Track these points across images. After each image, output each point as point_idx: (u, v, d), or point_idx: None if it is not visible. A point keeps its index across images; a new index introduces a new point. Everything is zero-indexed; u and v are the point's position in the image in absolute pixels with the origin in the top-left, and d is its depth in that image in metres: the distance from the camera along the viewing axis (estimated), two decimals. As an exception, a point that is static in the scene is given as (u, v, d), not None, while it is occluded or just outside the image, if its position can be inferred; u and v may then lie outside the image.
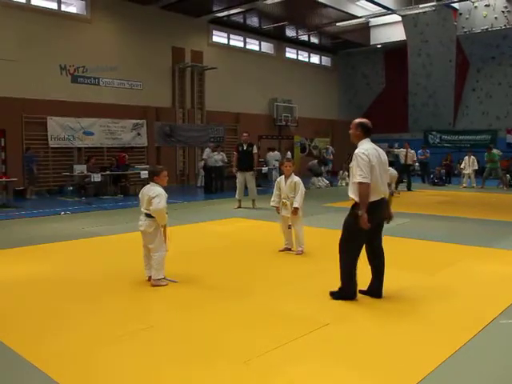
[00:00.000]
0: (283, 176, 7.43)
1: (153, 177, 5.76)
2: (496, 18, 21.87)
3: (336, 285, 5.47)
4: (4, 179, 13.39)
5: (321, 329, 4.26)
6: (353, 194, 4.88)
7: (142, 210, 5.66)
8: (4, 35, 15.23)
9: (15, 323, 4.48)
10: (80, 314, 4.69)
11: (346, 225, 5.02)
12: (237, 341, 4.03)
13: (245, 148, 12.78)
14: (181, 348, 3.88)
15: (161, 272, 5.63)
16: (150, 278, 5.71)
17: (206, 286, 5.66)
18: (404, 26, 23.94)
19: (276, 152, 22.90)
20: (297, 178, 7.29)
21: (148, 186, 5.71)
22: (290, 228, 7.33)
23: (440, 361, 3.61)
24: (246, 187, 12.82)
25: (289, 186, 7.25)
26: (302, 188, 7.22)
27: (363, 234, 4.86)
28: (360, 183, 4.75)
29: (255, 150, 12.93)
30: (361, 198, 4.78)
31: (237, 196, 12.77)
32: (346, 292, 5.04)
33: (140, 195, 5.74)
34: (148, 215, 5.58)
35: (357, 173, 4.78)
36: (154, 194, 5.51)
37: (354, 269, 5.00)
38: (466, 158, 19.14)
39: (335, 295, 5.06)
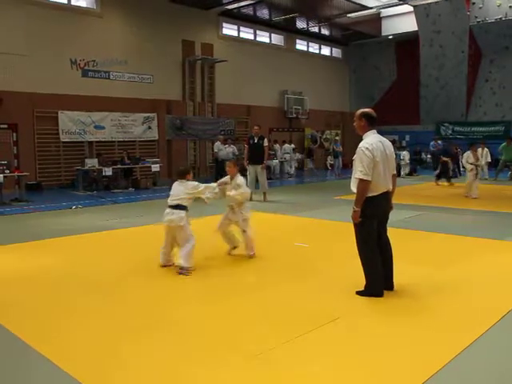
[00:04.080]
0: (229, 177, 6.76)
1: (185, 175, 6.19)
2: (510, 7, 21.54)
3: (348, 277, 5.47)
4: (16, 173, 13.45)
5: (331, 323, 4.24)
6: (355, 188, 4.85)
7: (172, 203, 5.94)
8: (14, 30, 15.26)
9: (28, 316, 4.50)
10: (92, 307, 4.71)
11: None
12: (249, 334, 4.03)
13: (256, 141, 12.73)
14: (192, 342, 3.88)
15: (191, 261, 5.87)
16: (166, 265, 6.05)
17: (216, 279, 5.65)
18: (416, 17, 23.68)
19: (286, 145, 22.81)
20: (240, 180, 6.71)
21: (179, 182, 6.14)
22: (244, 232, 6.65)
23: (452, 355, 3.58)
24: (256, 180, 12.79)
25: (233, 188, 6.62)
26: (244, 189, 6.65)
27: (372, 224, 4.83)
28: (360, 180, 4.72)
29: (266, 142, 12.87)
30: (358, 194, 4.77)
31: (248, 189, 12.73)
32: (373, 289, 4.91)
33: (174, 191, 6.05)
34: (180, 208, 5.88)
35: (358, 168, 4.75)
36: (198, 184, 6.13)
37: (376, 263, 4.88)
38: (479, 149, 18.90)
39: (361, 293, 4.94)
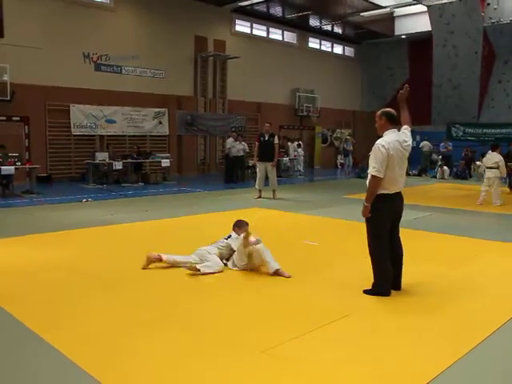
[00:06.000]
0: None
1: (234, 227, 6.23)
2: (526, 8, 21.37)
3: (357, 276, 5.47)
4: (28, 166, 13.56)
5: (340, 320, 4.25)
6: None
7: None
8: (28, 23, 15.35)
9: (36, 307, 4.54)
10: (99, 301, 4.74)
11: (366, 218, 4.96)
12: (255, 330, 4.04)
13: (266, 138, 12.73)
14: (200, 336, 3.90)
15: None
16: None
17: (225, 275, 5.65)
18: (429, 17, 23.54)
19: (296, 142, 22.75)
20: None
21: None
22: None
23: (458, 356, 3.56)
24: (266, 177, 12.79)
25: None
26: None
27: (384, 222, 4.84)
28: (373, 176, 4.74)
29: (277, 140, 12.85)
30: (369, 190, 4.79)
31: (257, 186, 12.76)
32: (380, 288, 4.91)
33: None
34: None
35: (371, 165, 4.78)
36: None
37: (386, 262, 4.88)
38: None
39: (369, 292, 4.94)
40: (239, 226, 6.22)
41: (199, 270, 5.54)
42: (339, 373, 3.33)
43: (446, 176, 19.51)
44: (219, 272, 5.64)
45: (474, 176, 19.60)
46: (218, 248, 5.99)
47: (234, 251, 5.89)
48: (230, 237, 6.13)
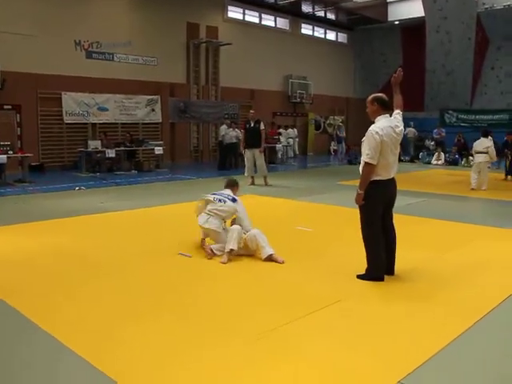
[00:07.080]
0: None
1: (232, 187, 6.32)
2: (519, -7, 21.31)
3: (350, 261, 5.50)
4: (20, 154, 13.47)
5: (333, 305, 4.28)
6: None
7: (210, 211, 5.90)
8: (19, 10, 15.15)
9: (32, 295, 4.55)
10: (94, 289, 4.75)
11: (360, 205, 4.96)
12: (249, 316, 4.07)
13: (252, 125, 12.69)
14: (194, 325, 3.91)
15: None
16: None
17: (217, 262, 5.65)
18: (423, 2, 23.41)
19: (290, 129, 22.74)
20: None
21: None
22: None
23: (449, 341, 3.60)
24: (255, 164, 12.74)
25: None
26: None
27: (377, 208, 4.86)
28: (366, 163, 4.74)
29: (262, 126, 12.78)
30: (363, 177, 4.80)
31: (246, 173, 12.74)
32: (373, 273, 4.93)
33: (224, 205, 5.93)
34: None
35: (365, 152, 4.77)
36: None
37: (379, 247, 4.90)
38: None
39: (362, 277, 4.97)
40: (238, 185, 6.45)
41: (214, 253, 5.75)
42: (332, 357, 3.36)
43: (442, 159, 19.64)
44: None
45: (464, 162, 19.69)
46: (221, 216, 5.94)
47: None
48: (234, 200, 6.06)
